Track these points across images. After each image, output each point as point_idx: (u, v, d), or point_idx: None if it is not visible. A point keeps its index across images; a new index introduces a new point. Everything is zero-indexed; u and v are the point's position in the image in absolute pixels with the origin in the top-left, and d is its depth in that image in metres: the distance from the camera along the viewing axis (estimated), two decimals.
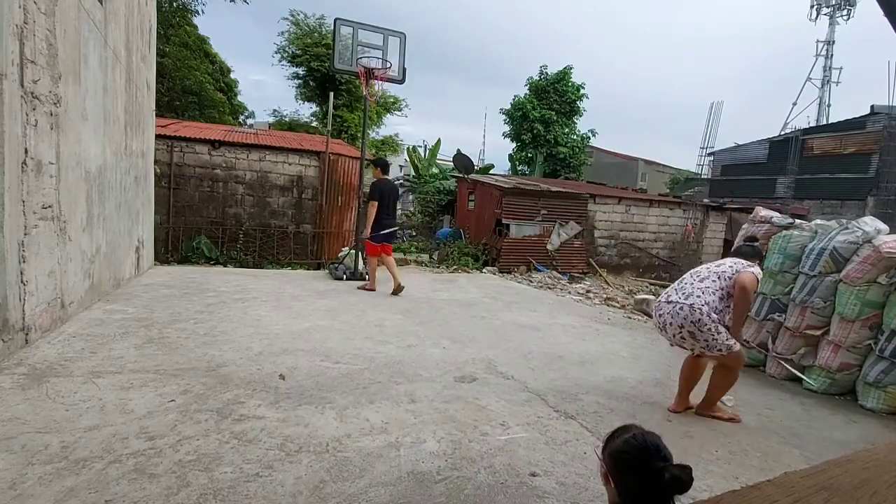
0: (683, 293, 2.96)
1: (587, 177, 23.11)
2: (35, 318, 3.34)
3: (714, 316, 2.85)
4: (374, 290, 6.56)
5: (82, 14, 3.98)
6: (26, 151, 3.08)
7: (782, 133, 23.61)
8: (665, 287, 10.98)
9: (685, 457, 2.44)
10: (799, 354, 4.01)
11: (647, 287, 11.03)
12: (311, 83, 21.32)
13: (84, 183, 4.20)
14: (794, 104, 29.23)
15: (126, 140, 5.60)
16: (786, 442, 2.88)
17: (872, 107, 19.05)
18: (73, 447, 2.12)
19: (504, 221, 11.06)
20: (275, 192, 9.96)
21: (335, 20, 7.15)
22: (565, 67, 22.15)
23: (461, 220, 13.58)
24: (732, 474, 2.41)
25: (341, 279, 7.19)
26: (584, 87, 22.19)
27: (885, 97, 25.93)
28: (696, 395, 3.19)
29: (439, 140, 20.04)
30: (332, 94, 10.60)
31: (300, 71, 21.43)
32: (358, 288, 6.66)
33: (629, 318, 6.56)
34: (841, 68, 28.74)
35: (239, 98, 26.05)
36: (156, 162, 7.78)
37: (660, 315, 3.05)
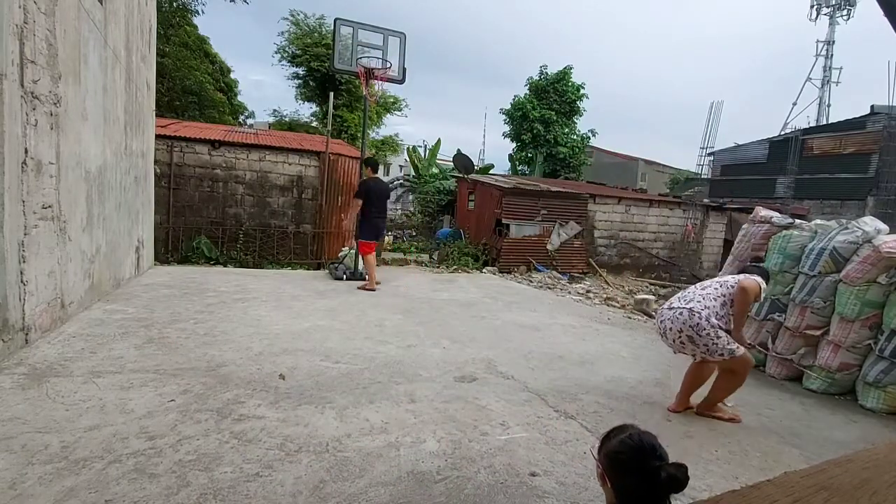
0: (685, 300, 2.99)
1: (587, 177, 23.11)
2: (35, 318, 3.34)
3: (714, 321, 2.85)
4: (373, 289, 6.56)
5: (82, 14, 3.98)
6: (26, 151, 3.08)
7: (782, 133, 23.63)
8: (665, 287, 11.02)
9: (685, 457, 2.44)
10: (799, 354, 4.01)
11: (647, 287, 11.03)
12: (311, 83, 21.32)
13: (84, 183, 4.20)
14: (794, 104, 29.24)
15: (126, 140, 5.60)
16: (786, 442, 2.88)
17: (872, 107, 19.05)
18: (73, 447, 2.12)
19: (504, 221, 11.07)
20: (275, 192, 9.96)
21: (335, 20, 7.15)
22: (565, 67, 22.16)
23: (461, 220, 13.58)
24: (732, 474, 2.41)
25: (341, 279, 7.18)
26: (584, 87, 22.21)
27: (885, 97, 25.94)
28: (698, 396, 3.19)
29: (439, 140, 20.05)
30: (332, 94, 10.61)
31: (300, 71, 21.43)
32: (358, 288, 6.67)
33: (629, 318, 6.56)
34: (841, 68, 28.76)
35: (239, 98, 26.09)
36: (156, 162, 7.78)
37: (661, 321, 3.07)
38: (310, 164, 10.12)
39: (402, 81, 7.47)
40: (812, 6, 28.85)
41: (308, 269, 9.12)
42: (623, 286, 10.92)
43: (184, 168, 9.27)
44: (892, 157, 17.91)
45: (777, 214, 4.63)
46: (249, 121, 27.16)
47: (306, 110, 26.86)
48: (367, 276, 7.22)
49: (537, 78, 22.55)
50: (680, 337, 2.93)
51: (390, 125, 60.69)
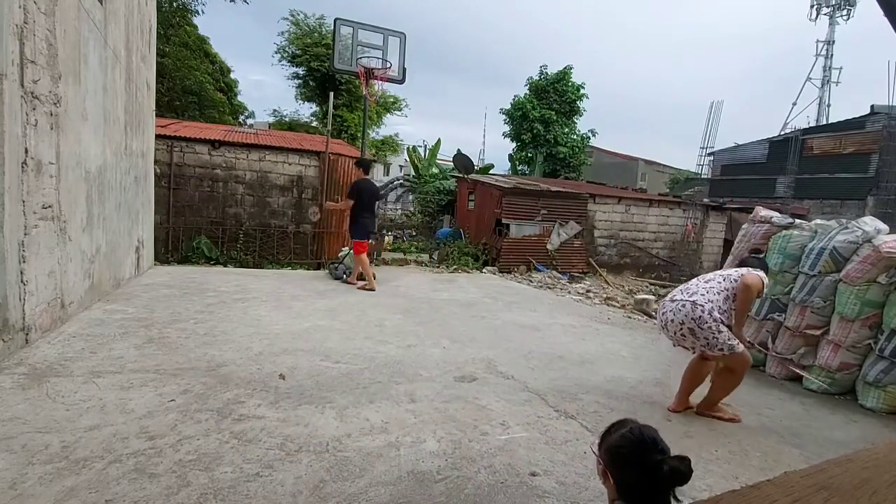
0: (688, 292, 2.98)
1: (587, 177, 23.11)
2: (35, 318, 3.34)
3: (716, 315, 2.85)
4: (374, 289, 6.57)
5: (82, 14, 3.98)
6: (26, 151, 3.08)
7: (782, 133, 23.63)
8: (665, 287, 11.02)
9: None
10: (799, 354, 4.01)
11: (647, 287, 11.03)
12: (311, 83, 21.33)
13: (84, 183, 4.20)
14: (794, 104, 29.25)
15: (126, 140, 5.60)
16: (786, 442, 2.88)
17: (872, 107, 19.05)
18: (74, 447, 2.12)
19: (504, 221, 11.07)
20: (275, 192, 9.96)
21: (335, 20, 7.17)
22: (565, 67, 22.16)
23: (461, 220, 13.58)
24: (732, 474, 2.41)
25: (341, 279, 7.18)
26: (584, 87, 22.21)
27: (885, 97, 25.94)
28: (697, 396, 3.19)
29: (439, 140, 20.05)
30: (332, 94, 10.59)
31: (300, 71, 21.44)
32: (358, 288, 6.67)
33: (629, 317, 6.56)
34: (841, 68, 28.76)
35: (239, 98, 26.09)
36: (156, 162, 7.77)
37: (663, 313, 3.05)
38: (310, 164, 10.12)
39: (402, 81, 7.49)
40: (812, 6, 28.85)
41: (308, 269, 9.12)
42: (623, 286, 10.92)
43: (184, 168, 9.27)
44: (892, 157, 17.91)
45: (777, 214, 4.63)
46: (249, 121, 27.17)
47: (306, 110, 26.89)
48: (367, 276, 7.24)
49: (537, 78, 22.55)
50: (681, 329, 2.91)
51: (390, 125, 60.71)
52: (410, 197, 21.12)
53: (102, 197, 4.76)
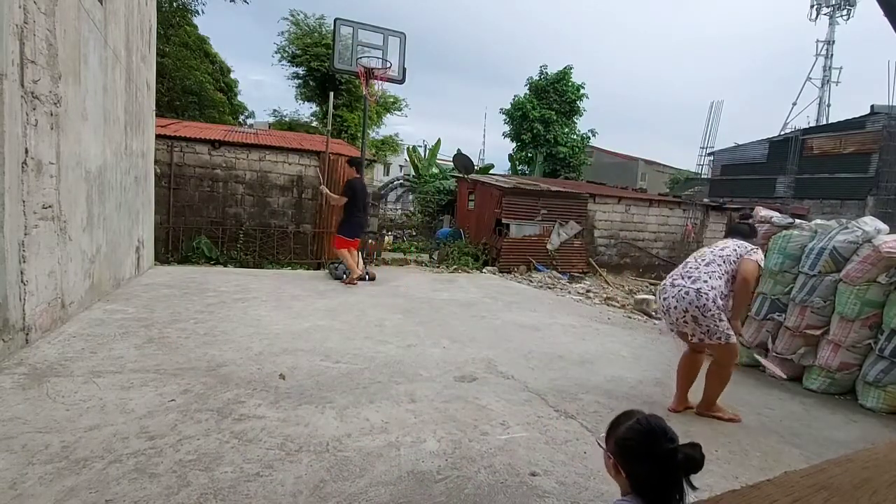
0: (689, 277, 2.93)
1: (587, 176, 23.11)
2: (35, 318, 3.34)
3: (720, 302, 2.86)
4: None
5: (82, 14, 3.98)
6: (26, 151, 3.08)
7: (782, 133, 23.63)
8: None
9: None
10: (799, 354, 4.01)
11: (647, 287, 11.02)
12: (311, 83, 21.33)
13: (84, 183, 4.20)
14: (794, 104, 29.29)
15: (126, 140, 5.60)
16: (786, 442, 2.88)
17: (872, 107, 19.06)
18: (74, 447, 2.12)
19: (504, 221, 11.07)
20: (275, 192, 9.96)
21: (335, 20, 7.16)
22: (565, 67, 22.16)
23: (461, 220, 13.58)
24: (732, 474, 2.41)
25: (341, 279, 7.18)
26: (584, 87, 22.22)
27: (885, 97, 25.95)
28: (696, 394, 3.18)
29: (439, 140, 20.05)
30: (332, 94, 10.59)
31: (300, 71, 21.43)
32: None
33: (629, 317, 6.56)
34: (841, 68, 28.80)
35: (239, 98, 26.09)
36: (156, 162, 7.78)
37: (664, 298, 3.00)
38: (310, 163, 10.13)
39: (402, 81, 7.49)
40: (812, 6, 28.87)
41: (308, 269, 9.12)
42: (623, 286, 10.92)
43: (184, 168, 9.27)
44: (892, 157, 17.91)
45: (777, 214, 4.63)
46: (249, 121, 27.16)
47: (306, 110, 26.90)
48: (367, 276, 7.27)
49: (537, 78, 22.55)
50: (684, 316, 2.89)
51: (390, 125, 60.73)
52: (410, 197, 21.12)
53: (102, 197, 4.76)
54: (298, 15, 21.35)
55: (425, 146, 24.90)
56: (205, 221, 9.39)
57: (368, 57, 7.22)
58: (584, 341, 4.80)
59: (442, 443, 2.46)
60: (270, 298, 5.53)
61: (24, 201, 3.07)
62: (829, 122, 24.96)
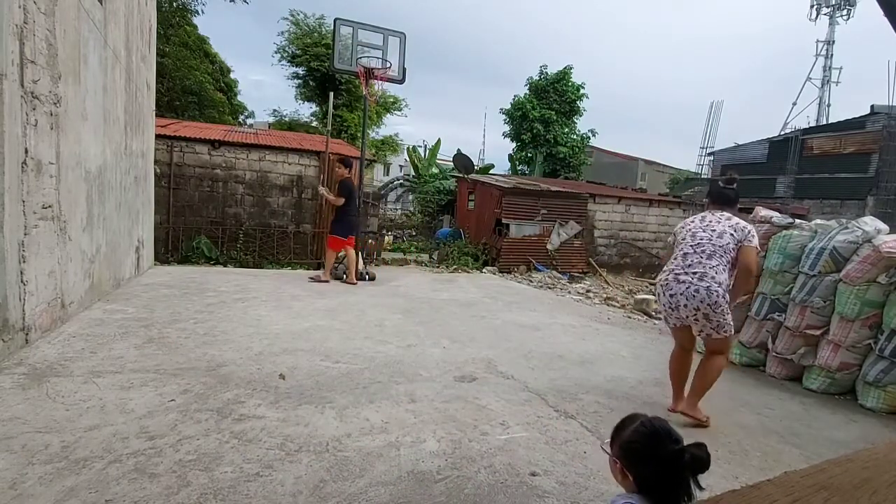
0: (695, 274, 2.85)
1: (587, 176, 23.12)
2: (35, 318, 3.34)
3: (727, 297, 2.84)
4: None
5: (82, 14, 3.98)
6: (26, 151, 3.08)
7: (782, 133, 23.63)
8: None
9: None
10: (799, 354, 4.01)
11: (646, 287, 11.03)
12: (310, 83, 21.33)
13: (84, 183, 4.20)
14: (794, 104, 29.28)
15: (126, 140, 5.60)
16: (786, 442, 2.88)
17: (872, 107, 19.05)
18: (74, 447, 2.12)
19: (504, 221, 11.07)
20: (275, 192, 9.96)
21: (335, 20, 7.15)
22: (565, 67, 22.17)
23: (461, 220, 13.58)
24: (732, 474, 2.41)
25: (341, 279, 7.19)
26: (584, 87, 22.23)
27: (885, 97, 25.95)
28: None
29: (439, 140, 20.06)
30: (332, 93, 10.60)
31: (300, 71, 21.44)
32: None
33: (629, 317, 6.56)
34: (841, 68, 28.81)
35: (239, 98, 26.09)
36: (156, 162, 7.78)
37: (671, 295, 2.91)
38: (310, 163, 10.13)
39: (402, 81, 7.48)
40: (812, 6, 28.88)
41: (308, 269, 9.12)
42: (623, 286, 10.92)
43: (184, 168, 9.27)
44: (891, 157, 17.91)
45: (777, 214, 4.63)
46: (249, 121, 27.16)
47: (306, 110, 26.87)
48: (367, 276, 7.28)
49: (537, 78, 22.56)
50: (696, 314, 2.84)
51: (390, 125, 60.73)
52: (410, 197, 21.13)
53: (102, 197, 4.76)
54: (298, 15, 21.37)
55: (425, 146, 24.92)
56: (205, 221, 9.39)
57: (368, 57, 7.21)
58: (584, 341, 4.79)
59: (442, 443, 2.46)
60: (270, 298, 5.53)
61: (23, 201, 3.07)
62: (829, 122, 24.97)
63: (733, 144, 24.28)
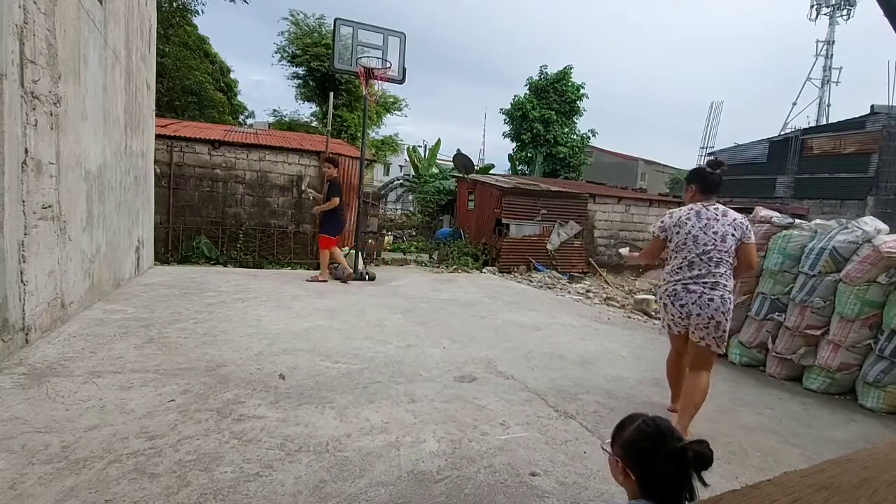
0: (706, 283, 2.75)
1: (587, 176, 23.13)
2: (35, 318, 3.34)
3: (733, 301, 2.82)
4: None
5: (82, 14, 3.98)
6: (26, 151, 3.08)
7: (782, 133, 23.62)
8: None
9: None
10: (799, 354, 4.01)
11: (646, 287, 11.03)
12: (311, 83, 21.33)
13: (84, 183, 4.20)
14: (794, 104, 29.28)
15: (126, 140, 5.60)
16: (786, 441, 2.88)
17: (872, 107, 19.04)
18: (74, 447, 2.12)
19: (504, 221, 11.07)
20: (275, 192, 9.97)
21: (335, 20, 7.15)
22: (565, 67, 22.17)
23: (461, 220, 13.58)
24: (732, 474, 2.41)
25: (341, 279, 7.19)
26: (583, 87, 22.22)
27: (885, 97, 25.96)
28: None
29: (439, 140, 20.06)
30: (332, 94, 10.61)
31: (300, 71, 21.44)
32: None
33: (629, 317, 6.56)
34: (841, 68, 28.80)
35: (239, 98, 26.08)
36: (156, 162, 7.78)
37: (681, 305, 2.79)
38: (310, 163, 10.13)
39: (402, 81, 7.48)
40: (812, 6, 28.88)
41: (308, 269, 9.12)
42: (623, 286, 10.92)
43: (184, 168, 9.27)
44: (891, 157, 17.90)
45: (777, 214, 4.63)
46: (249, 121, 27.15)
47: (306, 110, 26.89)
48: (366, 276, 7.29)
49: (537, 78, 22.56)
50: (709, 323, 2.74)
51: (390, 125, 60.71)
52: (410, 197, 21.13)
53: (102, 197, 4.76)
54: (298, 15, 21.37)
55: (425, 146, 24.91)
56: (204, 221, 9.39)
57: (368, 57, 7.21)
58: (583, 341, 4.79)
59: (442, 443, 2.46)
60: (270, 298, 5.52)
61: (23, 201, 3.07)
62: (829, 122, 24.97)
63: (733, 144, 24.25)
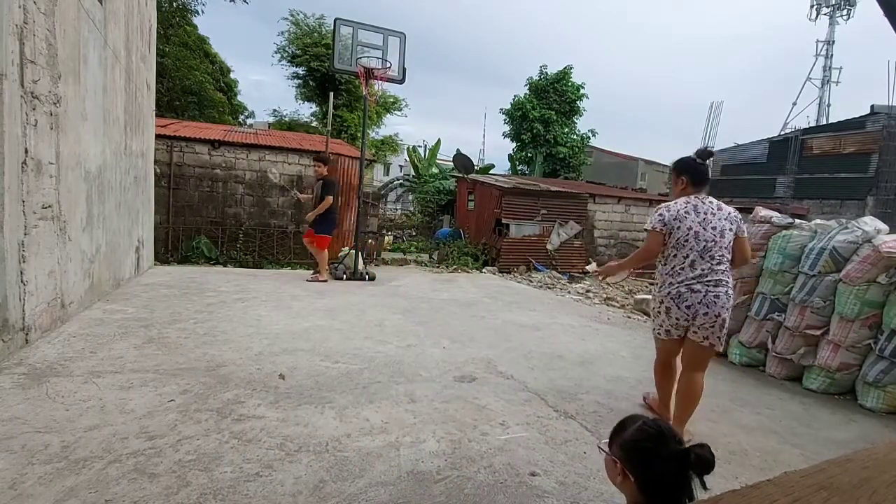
0: (709, 281, 2.68)
1: (587, 176, 23.14)
2: (35, 318, 3.34)
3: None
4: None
5: (82, 14, 3.98)
6: (26, 151, 3.08)
7: (782, 133, 23.62)
8: None
9: None
10: (799, 354, 4.01)
11: (646, 287, 11.02)
12: (310, 83, 21.34)
13: (84, 183, 4.20)
14: (794, 104, 29.29)
15: (126, 140, 5.60)
16: (786, 441, 2.88)
17: (872, 107, 19.05)
18: (73, 447, 2.12)
19: (504, 221, 11.07)
20: (275, 192, 9.97)
21: (335, 20, 7.15)
22: (565, 67, 22.18)
23: (461, 220, 13.58)
24: (732, 474, 2.41)
25: (341, 279, 7.19)
26: (583, 87, 22.23)
27: (885, 97, 25.96)
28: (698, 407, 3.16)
29: (439, 140, 20.07)
30: (331, 94, 10.60)
31: (300, 71, 21.45)
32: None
33: (629, 317, 6.56)
34: (841, 68, 28.83)
35: (239, 98, 26.09)
36: (156, 162, 7.78)
37: (687, 306, 2.68)
38: (310, 163, 10.13)
39: (402, 81, 7.48)
40: (812, 6, 28.89)
41: (308, 269, 9.12)
42: (623, 286, 10.92)
43: (184, 168, 9.28)
44: (891, 157, 17.90)
45: (777, 214, 4.63)
46: (249, 121, 27.16)
47: (306, 110, 26.90)
48: (366, 276, 7.29)
49: (537, 78, 22.57)
50: (715, 322, 2.68)
51: (390, 125, 60.66)
52: (410, 197, 21.13)
53: (102, 197, 4.76)
54: (298, 15, 21.38)
55: (425, 146, 24.92)
56: (204, 221, 9.40)
57: (368, 57, 7.21)
58: (583, 341, 4.79)
59: (441, 443, 2.46)
60: (270, 298, 5.53)
61: (23, 201, 3.07)
62: (829, 122, 24.97)
63: (733, 144, 24.25)
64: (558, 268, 11.07)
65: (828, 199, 19.77)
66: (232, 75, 25.06)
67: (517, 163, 22.38)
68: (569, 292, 8.72)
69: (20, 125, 2.99)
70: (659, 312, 2.84)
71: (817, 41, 29.09)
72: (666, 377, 2.96)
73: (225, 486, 1.95)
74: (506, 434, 2.62)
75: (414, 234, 15.95)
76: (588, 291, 9.11)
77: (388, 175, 33.31)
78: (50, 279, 3.53)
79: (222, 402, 2.71)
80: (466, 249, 11.35)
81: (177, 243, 9.09)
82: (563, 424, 2.82)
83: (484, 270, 10.46)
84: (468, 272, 10.02)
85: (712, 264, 2.70)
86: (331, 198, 6.80)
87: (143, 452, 2.13)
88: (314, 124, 22.67)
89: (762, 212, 4.69)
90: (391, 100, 23.25)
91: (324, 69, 19.60)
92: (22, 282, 3.09)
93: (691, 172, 2.82)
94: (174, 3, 18.44)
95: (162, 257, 8.42)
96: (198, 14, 19.63)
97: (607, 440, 1.31)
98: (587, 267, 3.41)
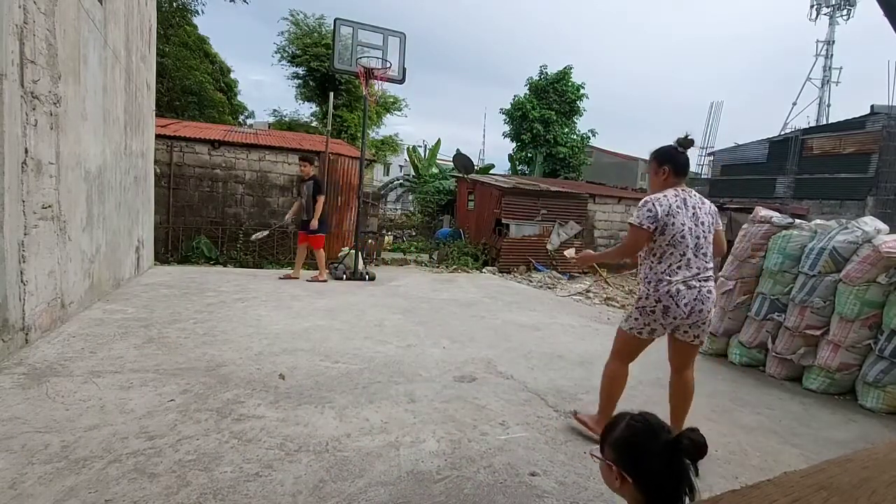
0: (700, 278, 2.61)
1: (587, 177, 23.12)
2: (35, 318, 3.34)
3: None
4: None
5: (82, 14, 3.98)
6: (26, 151, 3.08)
7: (782, 133, 23.62)
8: None
9: None
10: (798, 354, 4.01)
11: (571, 254, 11.03)
12: (310, 83, 21.33)
13: (84, 183, 4.20)
14: (794, 104, 29.29)
15: (126, 140, 5.60)
16: (786, 441, 2.88)
17: (872, 107, 19.05)
18: (73, 447, 2.12)
19: (504, 221, 11.07)
20: (274, 192, 9.97)
21: (335, 20, 7.15)
22: (565, 67, 22.16)
23: (461, 220, 13.58)
24: (732, 474, 2.41)
25: (341, 279, 7.19)
26: (583, 87, 22.21)
27: (885, 97, 25.98)
28: (695, 411, 3.16)
29: (439, 140, 20.07)
30: (332, 94, 10.60)
31: (300, 71, 21.44)
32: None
33: None
34: (841, 68, 28.83)
35: (239, 98, 26.07)
36: (156, 162, 7.78)
37: (685, 304, 2.56)
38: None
39: (402, 81, 7.48)
40: (812, 6, 28.89)
41: (308, 269, 9.13)
42: (623, 286, 10.91)
43: (184, 168, 9.27)
44: (891, 157, 17.91)
45: (777, 214, 4.63)
46: (249, 121, 27.15)
47: (306, 110, 26.89)
48: (366, 276, 7.29)
49: (537, 78, 22.55)
50: (706, 319, 2.63)
51: (390, 125, 60.62)
52: (410, 197, 21.13)
53: (102, 197, 4.76)
54: (298, 15, 21.36)
55: (425, 146, 24.92)
56: (204, 221, 9.39)
57: (368, 57, 7.21)
58: (583, 341, 4.79)
59: (441, 443, 2.46)
60: (270, 298, 5.53)
61: (23, 201, 3.07)
62: (829, 122, 24.97)
63: (733, 144, 24.28)
64: (558, 268, 11.07)
65: (828, 199, 19.78)
66: (232, 75, 25.05)
67: (517, 163, 22.37)
68: (569, 292, 8.72)
69: (20, 125, 2.99)
70: (651, 311, 2.68)
71: (817, 41, 29.12)
72: (620, 384, 2.82)
73: (225, 485, 1.95)
74: (506, 434, 2.62)
75: (414, 234, 15.95)
76: (588, 292, 9.11)
77: (388, 175, 33.30)
78: (50, 279, 3.53)
79: (222, 402, 2.71)
80: (466, 249, 11.35)
81: (177, 243, 9.09)
82: (563, 424, 2.82)
83: (484, 270, 10.46)
84: (468, 272, 10.02)
85: (705, 261, 2.65)
86: (323, 197, 6.81)
87: (143, 452, 2.13)
88: (314, 124, 22.66)
89: (762, 212, 4.69)
90: (391, 100, 23.24)
91: (324, 69, 19.59)
92: (22, 282, 3.09)
93: (674, 162, 2.67)
94: (174, 3, 18.44)
95: (162, 257, 8.42)
96: (198, 14, 19.65)
97: (598, 448, 1.28)
98: (565, 252, 3.35)
